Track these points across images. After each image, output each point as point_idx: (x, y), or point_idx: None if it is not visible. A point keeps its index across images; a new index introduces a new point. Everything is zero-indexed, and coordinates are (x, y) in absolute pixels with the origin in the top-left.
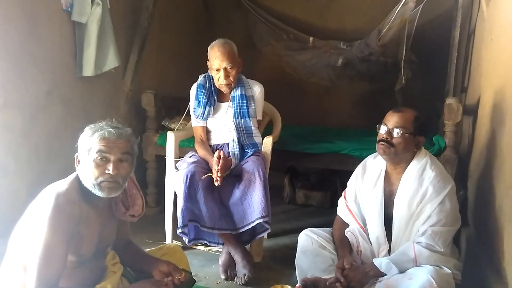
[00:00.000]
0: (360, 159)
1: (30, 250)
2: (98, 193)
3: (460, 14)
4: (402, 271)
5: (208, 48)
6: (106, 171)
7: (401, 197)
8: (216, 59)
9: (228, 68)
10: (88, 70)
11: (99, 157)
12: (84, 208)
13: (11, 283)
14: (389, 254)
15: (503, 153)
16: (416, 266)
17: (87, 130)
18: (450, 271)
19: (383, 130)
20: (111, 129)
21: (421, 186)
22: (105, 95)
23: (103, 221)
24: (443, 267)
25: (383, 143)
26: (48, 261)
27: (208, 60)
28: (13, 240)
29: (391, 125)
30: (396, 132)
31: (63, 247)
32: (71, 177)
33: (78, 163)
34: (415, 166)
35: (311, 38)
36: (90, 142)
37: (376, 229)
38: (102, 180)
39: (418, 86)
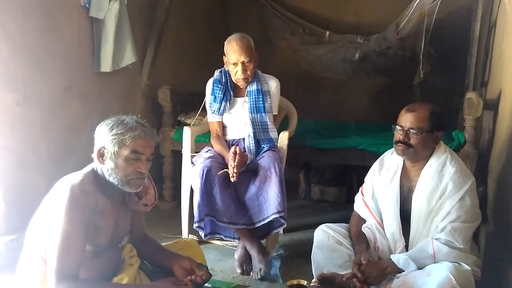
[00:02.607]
0: (377, 155)
1: (49, 242)
2: (126, 188)
3: (481, 7)
4: (420, 267)
5: (225, 42)
6: (138, 169)
7: (420, 193)
8: (234, 53)
9: (246, 62)
10: (106, 65)
11: (133, 156)
12: (99, 198)
13: (31, 275)
14: (407, 250)
15: None
16: (435, 263)
17: (114, 125)
18: (469, 268)
19: (399, 131)
20: (146, 129)
21: (441, 182)
22: (122, 90)
23: (117, 212)
24: (462, 264)
25: (400, 144)
26: (67, 251)
27: (224, 54)
28: (30, 233)
29: (407, 126)
30: (413, 133)
31: (81, 237)
32: (86, 169)
33: (102, 157)
34: (434, 162)
35: (327, 32)
36: (122, 139)
37: (391, 225)
38: (133, 177)
39: (437, 81)
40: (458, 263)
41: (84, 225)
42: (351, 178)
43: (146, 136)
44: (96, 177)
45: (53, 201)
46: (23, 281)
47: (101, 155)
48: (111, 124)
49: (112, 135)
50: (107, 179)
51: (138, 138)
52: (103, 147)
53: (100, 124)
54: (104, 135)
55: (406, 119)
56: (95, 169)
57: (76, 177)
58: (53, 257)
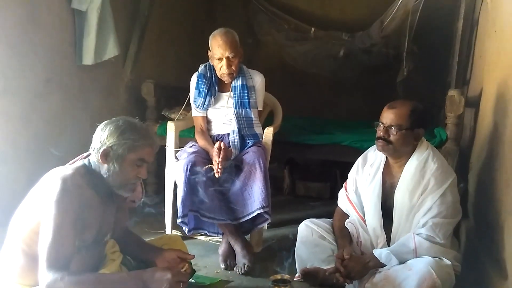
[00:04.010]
0: (360, 151)
1: (40, 234)
2: (120, 191)
3: (463, 6)
4: (402, 262)
5: (210, 37)
6: (138, 175)
7: (403, 189)
8: (219, 48)
9: (231, 57)
10: (88, 58)
11: (138, 163)
12: (88, 193)
13: (10, 269)
14: (388, 246)
15: (505, 146)
16: (416, 257)
17: (127, 129)
18: (450, 263)
19: (380, 127)
20: (155, 139)
21: (423, 178)
22: (104, 84)
23: (104, 208)
24: (443, 258)
25: (380, 140)
26: (58, 242)
27: (209, 49)
28: (12, 225)
29: (387, 123)
30: (393, 130)
31: (72, 228)
32: (77, 163)
33: (106, 157)
34: (417, 158)
35: (313, 29)
36: (134, 145)
37: (373, 220)
38: (133, 182)
39: (420, 78)
40: (439, 258)
41: (75, 217)
42: (335, 174)
43: (154, 146)
44: (86, 173)
45: (43, 192)
46: (3, 274)
47: (105, 155)
48: (123, 127)
49: (124, 139)
50: (102, 177)
51: (150, 147)
52: (110, 148)
53: (106, 124)
54: (114, 137)
55: (387, 116)
56: (87, 165)
57: (67, 170)
58: (44, 247)
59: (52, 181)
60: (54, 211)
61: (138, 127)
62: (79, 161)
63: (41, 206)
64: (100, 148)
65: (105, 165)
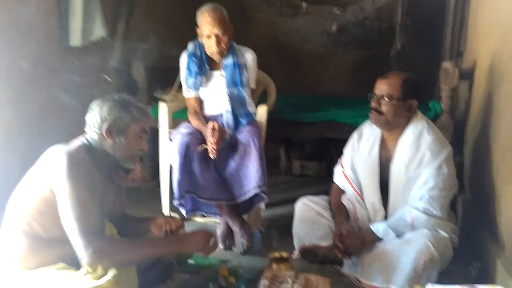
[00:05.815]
0: (355, 127)
1: (61, 212)
2: (127, 163)
3: None
4: (399, 235)
5: (197, 13)
6: (141, 147)
7: (398, 162)
8: (207, 25)
9: (220, 34)
10: (75, 39)
11: (140, 134)
12: (91, 169)
13: (11, 253)
14: (386, 220)
15: (500, 117)
16: (413, 230)
17: (125, 104)
18: (447, 235)
19: (373, 99)
20: (147, 108)
21: (418, 151)
22: (94, 66)
23: (104, 187)
24: (440, 231)
25: (373, 111)
26: (84, 211)
27: (197, 26)
28: (10, 207)
29: (379, 94)
30: (384, 100)
31: (90, 196)
32: (77, 142)
33: (110, 132)
34: (411, 131)
35: (304, 4)
36: (135, 117)
37: (371, 195)
38: (136, 154)
39: (414, 52)
40: (436, 231)
41: (88, 187)
42: (331, 152)
43: (149, 115)
44: (87, 151)
45: (46, 169)
46: (3, 259)
47: (109, 130)
48: (122, 101)
49: (126, 112)
50: (103, 155)
51: (145, 117)
52: (113, 123)
53: (101, 101)
54: (114, 112)
55: (379, 86)
56: (86, 143)
57: (69, 146)
58: (73, 221)
59: (56, 157)
60: (69, 184)
61: (134, 101)
62: (77, 141)
63: (45, 182)
64: (102, 124)
65: (110, 140)
